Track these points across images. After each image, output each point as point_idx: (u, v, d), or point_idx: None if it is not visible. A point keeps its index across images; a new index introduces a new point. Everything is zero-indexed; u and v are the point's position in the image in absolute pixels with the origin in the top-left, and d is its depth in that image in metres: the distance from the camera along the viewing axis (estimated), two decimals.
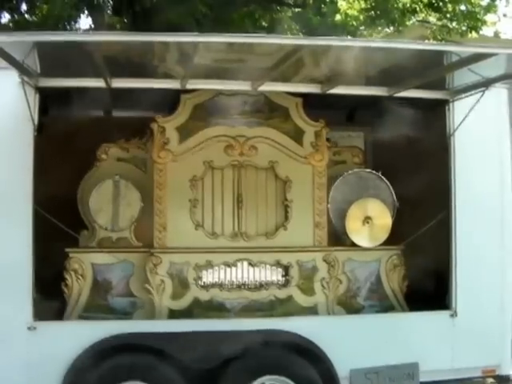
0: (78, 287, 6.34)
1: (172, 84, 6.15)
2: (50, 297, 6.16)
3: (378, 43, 5.88)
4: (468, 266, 6.46)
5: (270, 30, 15.01)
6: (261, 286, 6.48)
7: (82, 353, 5.76)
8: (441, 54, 5.80)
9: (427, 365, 6.27)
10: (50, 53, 5.41)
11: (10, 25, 14.56)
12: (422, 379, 6.28)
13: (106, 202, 6.43)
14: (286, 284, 6.53)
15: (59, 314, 6.25)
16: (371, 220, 6.68)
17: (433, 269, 6.68)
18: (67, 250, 6.35)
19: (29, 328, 5.76)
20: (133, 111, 7.76)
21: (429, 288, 6.71)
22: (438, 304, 6.55)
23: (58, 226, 6.04)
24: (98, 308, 6.37)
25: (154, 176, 6.43)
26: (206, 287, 6.40)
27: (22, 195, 5.78)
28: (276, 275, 6.53)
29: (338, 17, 15.28)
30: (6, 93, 5.82)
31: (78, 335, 5.89)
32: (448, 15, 14.39)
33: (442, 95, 6.56)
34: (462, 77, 6.18)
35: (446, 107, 6.58)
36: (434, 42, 13.68)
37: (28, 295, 5.79)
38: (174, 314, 6.31)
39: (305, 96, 6.65)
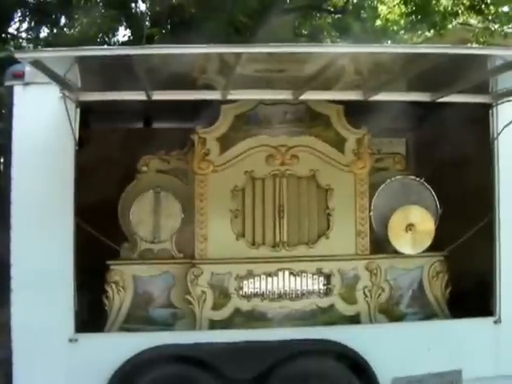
0: (119, 299, 6.34)
1: (213, 95, 6.13)
2: (90, 309, 6.20)
3: (422, 49, 5.80)
4: None
5: (310, 37, 15.03)
6: (302, 295, 6.44)
7: (123, 364, 5.79)
8: (485, 57, 5.72)
9: (471, 372, 6.19)
10: (90, 67, 5.45)
11: (50, 39, 14.70)
12: None
13: (147, 213, 6.43)
14: (327, 293, 6.48)
15: (100, 326, 6.28)
16: (414, 227, 6.58)
17: (476, 275, 6.58)
18: (108, 262, 6.36)
19: (70, 340, 5.81)
20: (173, 123, 7.81)
21: (472, 294, 6.59)
22: (482, 310, 6.46)
23: (98, 238, 6.07)
24: (138, 319, 6.38)
25: (195, 187, 6.41)
26: (247, 297, 6.38)
27: (64, 208, 5.83)
28: (317, 284, 6.48)
29: (378, 22, 15.22)
30: (48, 108, 5.90)
31: (119, 347, 5.94)
32: (490, 17, 14.20)
33: (485, 99, 6.45)
34: (505, 80, 6.11)
35: (490, 111, 6.48)
36: (477, 45, 13.51)
37: (69, 307, 5.83)
38: (214, 325, 6.30)
39: (346, 103, 6.59)
